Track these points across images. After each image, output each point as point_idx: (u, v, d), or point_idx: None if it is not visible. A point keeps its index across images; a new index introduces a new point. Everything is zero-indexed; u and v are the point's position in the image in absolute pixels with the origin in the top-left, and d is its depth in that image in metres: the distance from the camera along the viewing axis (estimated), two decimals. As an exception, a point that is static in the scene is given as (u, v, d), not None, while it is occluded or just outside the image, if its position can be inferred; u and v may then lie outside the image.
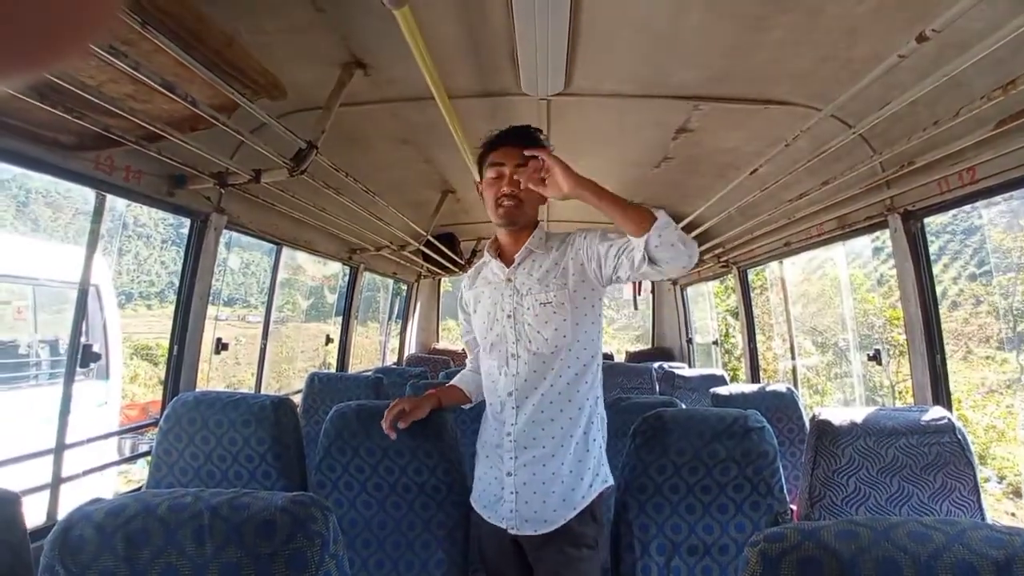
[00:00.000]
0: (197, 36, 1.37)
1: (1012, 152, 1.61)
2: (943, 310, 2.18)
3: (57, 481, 1.88)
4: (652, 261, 1.23)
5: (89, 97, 1.41)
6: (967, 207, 2.02)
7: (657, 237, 1.19)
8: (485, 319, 1.51)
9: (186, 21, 1.31)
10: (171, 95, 1.48)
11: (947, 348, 2.16)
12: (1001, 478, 6.01)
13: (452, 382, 1.69)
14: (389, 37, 1.59)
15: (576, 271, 1.43)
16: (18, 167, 1.63)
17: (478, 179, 1.55)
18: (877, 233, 2.63)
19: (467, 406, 1.72)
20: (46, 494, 1.87)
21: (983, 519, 1.58)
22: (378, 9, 1.38)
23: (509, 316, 1.46)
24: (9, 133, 1.55)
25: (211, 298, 2.53)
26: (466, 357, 1.76)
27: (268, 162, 2.15)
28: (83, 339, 2.04)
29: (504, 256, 1.54)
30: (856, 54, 1.72)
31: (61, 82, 1.32)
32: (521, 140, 1.44)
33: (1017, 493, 5.91)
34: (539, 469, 1.40)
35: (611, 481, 1.49)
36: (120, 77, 1.41)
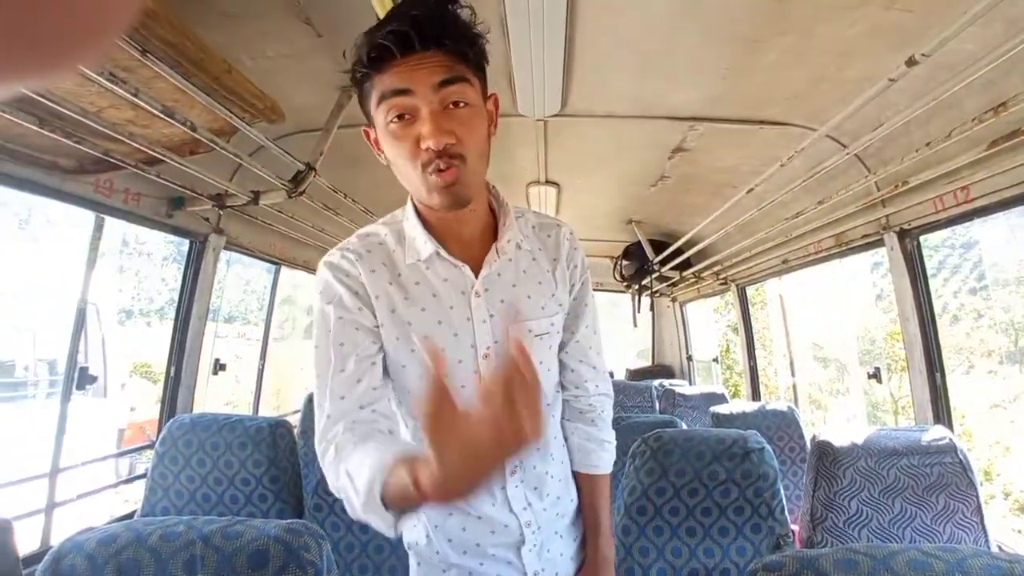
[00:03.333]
0: (198, 64, 1.39)
1: (1005, 172, 1.62)
2: (945, 325, 2.17)
3: (51, 505, 1.86)
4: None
5: (89, 122, 1.42)
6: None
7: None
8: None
9: (187, 51, 1.32)
10: (170, 120, 1.50)
11: (950, 363, 2.14)
12: (1006, 494, 5.94)
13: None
14: (387, 61, 1.60)
15: (566, 299, 1.01)
16: (16, 190, 1.64)
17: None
18: (875, 249, 2.63)
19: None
20: (40, 518, 1.85)
21: (987, 541, 1.56)
22: (376, 35, 1.40)
23: (485, 357, 0.88)
24: (7, 157, 1.57)
25: (210, 315, 2.53)
26: None
27: (267, 184, 2.17)
28: (80, 360, 2.03)
29: (446, 243, 0.90)
30: (849, 75, 1.73)
31: (61, 108, 1.34)
32: (433, 37, 0.75)
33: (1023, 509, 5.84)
34: (565, 566, 1.02)
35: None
36: (120, 103, 1.42)
